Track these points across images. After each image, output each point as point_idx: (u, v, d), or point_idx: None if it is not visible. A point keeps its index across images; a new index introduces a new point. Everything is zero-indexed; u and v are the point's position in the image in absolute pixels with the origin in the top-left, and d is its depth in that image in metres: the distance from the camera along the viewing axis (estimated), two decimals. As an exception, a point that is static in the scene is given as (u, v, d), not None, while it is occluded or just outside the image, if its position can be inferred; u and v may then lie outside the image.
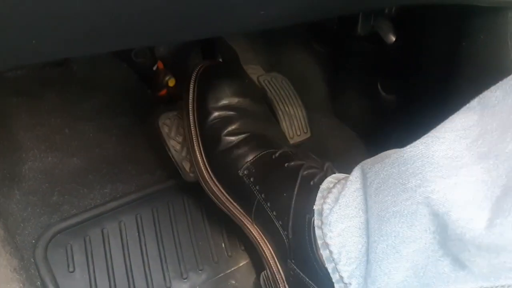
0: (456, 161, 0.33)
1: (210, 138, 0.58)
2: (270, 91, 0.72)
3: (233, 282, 0.67)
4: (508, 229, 0.28)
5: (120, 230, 0.65)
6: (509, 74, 0.44)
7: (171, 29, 0.35)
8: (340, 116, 0.77)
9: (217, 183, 0.58)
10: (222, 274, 0.67)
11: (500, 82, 0.35)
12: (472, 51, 0.51)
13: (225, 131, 0.57)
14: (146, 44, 0.61)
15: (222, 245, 0.69)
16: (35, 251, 0.61)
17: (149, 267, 0.64)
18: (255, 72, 0.74)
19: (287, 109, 0.71)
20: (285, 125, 0.71)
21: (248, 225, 0.56)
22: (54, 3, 0.25)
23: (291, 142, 0.71)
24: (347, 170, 0.67)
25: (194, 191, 0.66)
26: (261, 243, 0.55)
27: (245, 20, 0.36)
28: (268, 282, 0.55)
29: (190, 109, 0.59)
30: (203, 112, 0.58)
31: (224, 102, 0.58)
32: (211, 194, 0.59)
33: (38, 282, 0.59)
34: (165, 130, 0.63)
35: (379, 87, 0.65)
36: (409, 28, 0.60)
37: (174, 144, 0.63)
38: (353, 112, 0.74)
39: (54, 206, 0.66)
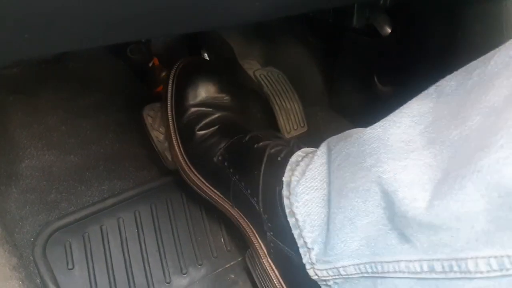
0: (409, 145, 0.36)
1: (186, 133, 0.61)
2: (267, 85, 0.72)
3: (233, 276, 0.67)
4: (443, 210, 0.31)
5: (119, 227, 0.65)
6: None
7: (164, 22, 0.35)
8: (337, 109, 0.77)
9: (196, 173, 0.60)
10: (221, 269, 0.67)
11: (455, 71, 0.37)
12: (468, 42, 0.51)
13: (199, 126, 0.60)
14: (139, 38, 0.61)
15: (221, 240, 0.70)
16: (34, 249, 0.61)
17: (148, 263, 0.64)
18: (251, 66, 0.74)
19: (283, 103, 0.71)
20: (281, 119, 0.71)
21: (229, 209, 0.58)
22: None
23: (288, 136, 0.72)
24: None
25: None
26: (242, 223, 0.57)
27: (240, 12, 0.36)
28: (252, 259, 0.57)
29: (169, 105, 0.62)
30: (181, 108, 0.61)
31: (200, 99, 0.61)
32: (192, 185, 0.62)
33: (38, 280, 0.60)
34: (149, 121, 0.65)
35: (375, 79, 0.65)
36: (404, 19, 0.60)
37: (157, 135, 0.65)
38: (350, 104, 0.74)
39: (52, 204, 0.66)
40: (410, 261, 0.35)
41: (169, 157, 0.65)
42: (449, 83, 0.37)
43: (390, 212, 0.36)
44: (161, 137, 0.65)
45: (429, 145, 0.35)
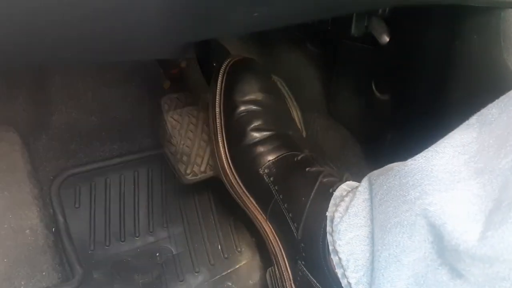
0: (454, 175, 0.34)
1: (236, 131, 0.58)
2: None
3: (229, 284, 0.74)
4: (498, 241, 0.29)
5: (120, 182, 0.78)
6: (501, 74, 0.46)
7: (167, 32, 0.39)
8: (335, 116, 0.76)
9: (237, 177, 0.58)
10: (218, 276, 0.74)
11: (496, 100, 0.35)
12: (465, 51, 0.50)
13: (251, 126, 0.57)
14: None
15: (218, 247, 0.77)
16: (51, 186, 0.74)
17: (138, 214, 0.77)
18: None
19: (283, 109, 0.76)
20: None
21: (262, 222, 0.57)
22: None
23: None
24: (342, 170, 0.63)
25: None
26: (272, 240, 0.55)
27: (239, 22, 0.39)
28: (275, 278, 0.55)
29: (217, 101, 0.59)
30: (230, 104, 0.58)
31: (251, 96, 0.58)
32: (229, 187, 0.60)
33: (51, 210, 0.73)
34: (165, 108, 0.71)
35: (373, 87, 0.64)
36: (402, 28, 0.59)
37: (169, 146, 0.68)
38: (348, 112, 0.73)
39: (71, 152, 0.79)
40: None
41: (182, 170, 0.65)
42: (490, 111, 0.35)
43: (439, 246, 0.34)
44: (173, 149, 0.66)
45: (476, 175, 0.33)
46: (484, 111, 0.36)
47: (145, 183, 0.80)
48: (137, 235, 0.77)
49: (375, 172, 0.44)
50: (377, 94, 0.65)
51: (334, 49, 0.73)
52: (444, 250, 0.33)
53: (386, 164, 0.43)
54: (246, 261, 0.78)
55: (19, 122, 0.75)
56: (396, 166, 0.40)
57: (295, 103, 0.76)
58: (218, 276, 0.74)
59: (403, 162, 0.39)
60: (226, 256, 0.77)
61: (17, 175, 0.68)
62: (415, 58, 0.59)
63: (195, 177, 0.68)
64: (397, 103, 0.63)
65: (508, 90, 0.35)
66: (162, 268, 0.75)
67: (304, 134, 0.73)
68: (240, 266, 0.75)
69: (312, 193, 0.50)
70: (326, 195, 0.49)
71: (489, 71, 0.48)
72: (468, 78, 0.51)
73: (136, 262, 0.75)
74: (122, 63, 0.85)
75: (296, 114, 0.74)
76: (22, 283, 0.61)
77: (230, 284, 0.73)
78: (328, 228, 0.45)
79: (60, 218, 0.73)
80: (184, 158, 0.66)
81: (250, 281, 0.74)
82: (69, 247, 0.71)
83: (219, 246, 0.77)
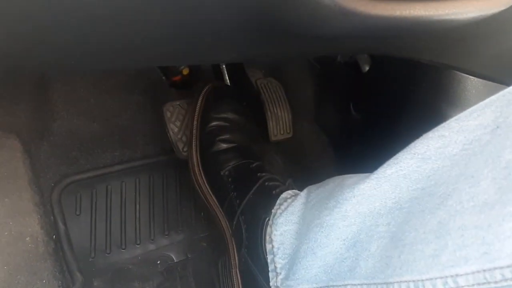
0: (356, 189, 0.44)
1: (207, 140, 0.69)
2: (264, 93, 0.83)
3: (204, 244, 0.79)
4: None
5: (121, 189, 0.79)
6: (437, 119, 0.52)
7: (173, 56, 0.44)
8: (320, 124, 0.85)
9: (204, 178, 0.69)
10: (196, 236, 0.80)
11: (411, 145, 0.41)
12: (415, 95, 0.59)
13: (219, 137, 0.69)
14: (145, 66, 0.74)
15: (201, 214, 0.82)
16: (52, 193, 0.75)
17: (139, 222, 0.78)
18: (254, 75, 0.85)
19: (275, 111, 0.82)
20: (271, 124, 0.82)
21: (220, 218, 0.66)
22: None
23: (275, 139, 0.83)
24: (316, 172, 0.82)
25: (186, 168, 0.77)
26: (226, 233, 0.64)
27: (221, 56, 0.46)
28: (224, 266, 0.65)
29: (196, 115, 0.71)
30: (205, 119, 0.70)
31: (223, 115, 0.70)
32: (196, 185, 0.70)
33: (52, 218, 0.73)
34: (167, 115, 0.75)
35: (351, 106, 0.74)
36: (379, 62, 0.67)
37: (172, 127, 0.75)
38: (330, 123, 0.82)
39: (73, 159, 0.79)
40: (354, 285, 0.40)
41: (180, 147, 0.75)
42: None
43: (349, 243, 0.42)
44: (176, 129, 0.75)
45: (369, 180, 0.42)
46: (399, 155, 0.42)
47: (146, 191, 0.81)
48: (138, 242, 0.77)
49: (316, 185, 0.53)
50: (353, 112, 0.75)
51: (328, 67, 0.81)
52: (354, 245, 0.41)
53: (352, 169, 0.51)
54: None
55: (21, 128, 0.75)
56: (332, 181, 0.50)
57: (288, 106, 0.84)
58: (196, 236, 0.78)
59: (334, 177, 0.50)
60: (204, 222, 0.79)
61: (18, 182, 0.68)
62: (385, 88, 0.67)
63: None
64: (368, 123, 0.73)
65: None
66: (162, 276, 0.75)
67: (291, 134, 0.84)
68: (214, 232, 0.77)
69: (258, 193, 0.60)
70: (267, 194, 0.59)
71: (434, 117, 0.56)
72: (417, 116, 0.60)
73: (136, 270, 0.75)
74: (124, 71, 0.85)
75: (286, 116, 0.83)
76: (22, 291, 0.60)
77: (204, 245, 0.78)
78: (270, 222, 0.54)
79: (61, 226, 0.73)
80: (183, 138, 0.76)
81: (219, 247, 0.76)
82: (69, 254, 0.71)
83: (202, 214, 0.80)
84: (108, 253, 0.75)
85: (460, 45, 0.45)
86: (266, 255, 0.53)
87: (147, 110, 0.86)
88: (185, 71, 0.87)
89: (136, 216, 0.78)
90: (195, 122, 0.71)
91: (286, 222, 0.52)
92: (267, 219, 0.55)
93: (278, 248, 0.51)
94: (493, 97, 0.35)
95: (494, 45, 0.45)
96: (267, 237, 0.53)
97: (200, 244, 0.80)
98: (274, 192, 0.59)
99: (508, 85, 0.50)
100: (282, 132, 0.83)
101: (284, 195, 0.57)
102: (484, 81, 0.51)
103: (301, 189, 0.58)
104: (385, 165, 0.41)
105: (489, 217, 0.31)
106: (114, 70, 0.80)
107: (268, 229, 0.53)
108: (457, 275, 0.32)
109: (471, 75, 0.51)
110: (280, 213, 0.53)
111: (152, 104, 0.86)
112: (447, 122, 0.38)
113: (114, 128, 0.83)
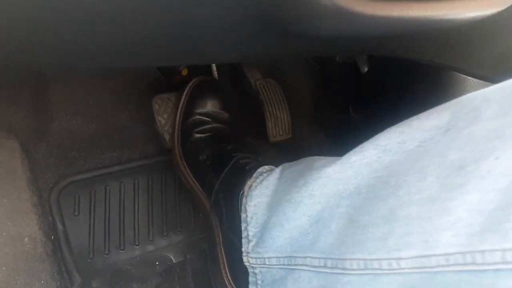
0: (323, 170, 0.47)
1: (187, 132, 0.74)
2: (263, 94, 0.83)
3: (203, 245, 0.79)
4: None
5: (120, 190, 0.79)
6: None
7: (173, 55, 0.44)
8: (319, 125, 0.87)
9: (185, 164, 0.73)
10: (195, 237, 0.79)
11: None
12: (414, 95, 0.60)
13: (198, 129, 0.74)
14: (145, 65, 0.76)
15: (200, 215, 0.81)
16: (51, 194, 0.74)
17: (138, 222, 0.77)
18: (253, 75, 0.85)
19: (274, 111, 0.82)
20: (270, 125, 0.83)
21: (203, 200, 0.70)
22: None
23: (274, 140, 0.83)
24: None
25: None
26: (210, 214, 0.68)
27: (223, 57, 0.46)
28: (211, 245, 0.69)
29: (179, 111, 0.76)
30: (187, 113, 0.75)
31: (205, 110, 0.75)
32: (180, 173, 0.74)
33: (50, 218, 0.73)
34: (155, 107, 0.77)
35: (350, 107, 0.75)
36: (378, 63, 0.68)
37: (160, 119, 0.78)
38: (329, 123, 0.84)
39: (71, 159, 0.79)
40: (314, 258, 0.44)
41: (167, 139, 0.78)
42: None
43: (313, 219, 0.45)
44: (163, 121, 0.78)
45: (335, 165, 0.45)
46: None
47: (145, 191, 0.80)
48: (137, 243, 0.77)
49: (291, 163, 0.56)
50: (352, 113, 0.76)
51: (328, 67, 0.82)
52: (318, 221, 0.45)
53: None
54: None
55: (19, 129, 0.75)
56: (305, 161, 0.53)
57: (287, 107, 0.85)
58: (195, 238, 0.79)
59: (306, 158, 0.53)
60: (204, 223, 0.78)
61: (16, 182, 0.68)
62: (384, 89, 0.68)
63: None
64: (367, 123, 0.73)
65: None
66: (161, 276, 0.75)
67: (290, 135, 0.85)
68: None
69: (227, 167, 0.65)
70: (242, 170, 0.63)
71: None
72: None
73: (135, 271, 0.74)
74: (123, 70, 0.85)
75: (286, 117, 0.84)
76: (21, 291, 0.60)
77: (203, 245, 0.78)
78: (246, 193, 0.57)
79: (60, 226, 0.73)
80: (170, 129, 0.78)
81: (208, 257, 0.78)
82: (68, 255, 0.70)
83: (201, 214, 0.80)
84: (107, 254, 0.75)
85: (458, 45, 0.45)
86: (241, 223, 0.57)
87: (146, 111, 0.86)
88: (184, 72, 0.87)
89: (134, 217, 0.78)
90: (177, 117, 0.76)
91: (260, 194, 0.55)
92: (241, 192, 0.58)
93: (252, 218, 0.54)
94: (452, 101, 0.39)
95: (493, 46, 0.45)
96: (242, 207, 0.57)
97: (199, 245, 0.79)
98: (247, 167, 0.63)
99: (506, 85, 0.50)
100: (281, 133, 0.83)
101: (260, 169, 0.60)
102: (483, 82, 0.51)
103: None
104: (351, 152, 0.45)
105: (431, 210, 0.34)
106: (113, 69, 0.80)
107: (244, 199, 0.57)
108: (400, 258, 0.35)
109: (469, 75, 0.52)
110: (256, 186, 0.57)
111: (151, 105, 0.86)
112: (409, 119, 0.42)
113: (113, 128, 0.83)
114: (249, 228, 0.55)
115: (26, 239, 0.64)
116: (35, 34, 0.31)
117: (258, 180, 0.58)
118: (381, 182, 0.40)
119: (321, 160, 0.49)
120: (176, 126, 0.76)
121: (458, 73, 0.54)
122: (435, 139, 0.38)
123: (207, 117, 0.75)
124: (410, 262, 0.34)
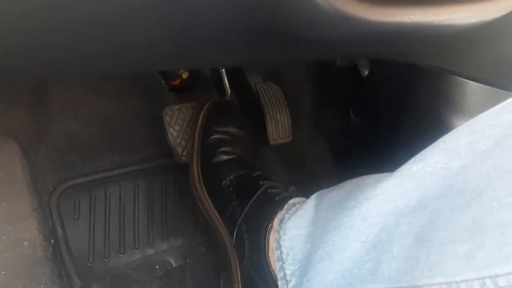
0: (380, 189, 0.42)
1: (208, 152, 0.70)
2: (264, 97, 0.83)
3: (203, 249, 0.79)
4: None
5: (120, 193, 0.79)
6: (439, 128, 0.54)
7: (173, 60, 0.43)
8: (319, 128, 0.86)
9: (204, 189, 0.68)
10: (195, 241, 0.79)
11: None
12: (415, 99, 0.59)
13: (220, 149, 0.69)
14: (145, 70, 0.75)
15: (200, 219, 0.80)
16: (51, 198, 0.74)
17: (138, 226, 0.77)
18: (253, 79, 0.85)
19: (275, 115, 0.82)
20: (271, 128, 0.82)
21: (221, 230, 0.64)
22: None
23: (274, 143, 0.83)
24: (315, 176, 0.82)
25: (185, 172, 0.77)
26: (228, 247, 0.62)
27: (216, 61, 0.46)
28: (227, 280, 0.62)
29: (198, 129, 0.73)
30: (207, 132, 0.72)
31: (225, 129, 0.72)
32: (197, 199, 0.70)
33: (50, 222, 0.73)
34: (167, 119, 0.75)
35: (350, 111, 0.74)
36: (379, 66, 0.67)
37: (171, 131, 0.75)
38: (330, 127, 0.82)
39: (71, 163, 0.79)
40: None
41: (179, 152, 0.75)
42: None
43: (370, 244, 0.39)
44: (175, 134, 0.76)
45: (394, 178, 0.40)
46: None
47: (145, 195, 0.80)
48: (137, 247, 0.77)
49: (328, 188, 0.51)
50: (353, 117, 0.75)
51: (328, 71, 0.80)
52: (376, 246, 0.38)
53: (352, 173, 0.49)
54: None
55: (19, 132, 0.75)
56: (346, 183, 0.48)
57: (287, 110, 0.83)
58: (195, 241, 0.78)
59: (350, 180, 0.47)
60: (203, 228, 0.78)
61: (16, 186, 0.68)
62: (384, 92, 0.67)
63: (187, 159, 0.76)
64: (367, 127, 0.73)
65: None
66: (161, 280, 0.75)
67: (290, 138, 0.83)
68: (213, 237, 0.75)
69: (254, 197, 0.59)
70: (270, 201, 0.57)
71: (431, 122, 0.56)
72: (416, 120, 0.59)
73: (135, 275, 0.74)
74: (123, 75, 0.85)
75: (286, 120, 0.83)
76: (20, 296, 0.60)
77: (203, 249, 0.77)
78: (277, 227, 0.52)
79: (59, 230, 0.72)
80: (183, 142, 0.75)
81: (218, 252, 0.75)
82: (68, 259, 0.70)
83: (201, 219, 0.77)
84: (107, 258, 0.75)
85: (459, 50, 0.45)
86: (270, 264, 0.51)
87: (146, 114, 0.86)
88: (185, 75, 0.87)
89: (134, 220, 0.78)
90: (197, 135, 0.72)
91: (296, 226, 0.49)
92: (270, 225, 0.53)
93: (288, 254, 0.48)
94: None
95: (494, 50, 0.45)
96: (275, 243, 0.51)
97: (199, 249, 0.79)
98: (277, 198, 0.57)
99: (508, 90, 0.50)
100: (281, 136, 0.83)
101: (292, 200, 0.55)
102: (484, 86, 0.51)
103: (302, 195, 0.57)
104: (411, 161, 0.39)
105: None
106: (112, 74, 0.80)
107: (275, 235, 0.51)
108: (496, 275, 0.30)
109: (470, 80, 0.52)
110: (289, 218, 0.51)
111: (151, 108, 0.86)
112: (478, 116, 0.36)
113: (113, 132, 0.83)
114: (286, 266, 0.48)
115: (26, 243, 0.64)
116: (32, 37, 0.31)
117: (291, 212, 0.52)
118: (453, 191, 0.35)
119: (371, 177, 0.44)
120: (196, 145, 0.71)
121: (458, 77, 0.53)
122: None
123: (228, 136, 0.71)
124: (511, 279, 0.29)
